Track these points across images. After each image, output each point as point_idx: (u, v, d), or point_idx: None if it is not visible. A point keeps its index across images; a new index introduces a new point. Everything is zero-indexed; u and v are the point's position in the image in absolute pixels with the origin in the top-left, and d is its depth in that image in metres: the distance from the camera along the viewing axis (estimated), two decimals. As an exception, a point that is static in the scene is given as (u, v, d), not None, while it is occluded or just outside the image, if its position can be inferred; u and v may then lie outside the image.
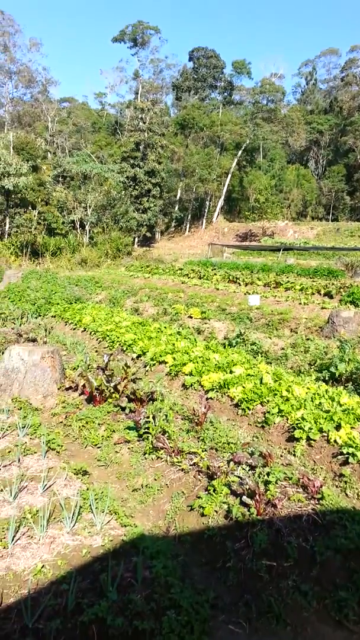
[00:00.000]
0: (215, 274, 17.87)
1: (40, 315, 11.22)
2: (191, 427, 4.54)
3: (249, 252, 33.84)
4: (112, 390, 5.31)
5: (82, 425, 4.76)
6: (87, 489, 3.47)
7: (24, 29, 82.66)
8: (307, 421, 4.21)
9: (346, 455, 3.78)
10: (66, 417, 4.98)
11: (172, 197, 53.21)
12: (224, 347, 7.35)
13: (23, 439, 4.32)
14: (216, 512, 3.20)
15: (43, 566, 2.60)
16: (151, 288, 15.06)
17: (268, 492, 3.17)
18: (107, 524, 3.06)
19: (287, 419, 4.46)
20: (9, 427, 4.58)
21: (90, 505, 3.19)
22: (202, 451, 3.93)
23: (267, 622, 2.51)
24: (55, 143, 53.74)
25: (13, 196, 30.10)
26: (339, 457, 3.84)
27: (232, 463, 3.62)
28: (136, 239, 42.96)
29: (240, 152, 55.24)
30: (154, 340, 7.41)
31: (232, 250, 35.10)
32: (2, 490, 3.36)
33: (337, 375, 6.19)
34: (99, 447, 4.39)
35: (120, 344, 7.74)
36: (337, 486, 3.64)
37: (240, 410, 4.94)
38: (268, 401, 4.82)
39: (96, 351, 8.17)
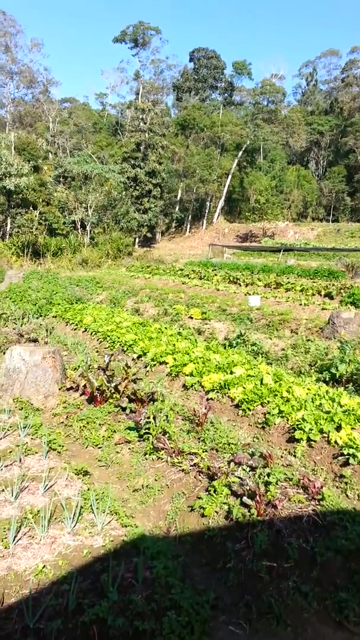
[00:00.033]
0: (215, 275, 17.88)
1: (41, 316, 11.24)
2: (192, 427, 4.55)
3: (249, 253, 33.90)
4: (112, 391, 5.31)
5: (83, 426, 4.76)
6: (88, 489, 3.47)
7: (26, 30, 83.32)
8: (307, 422, 4.22)
9: (347, 456, 3.78)
10: (67, 417, 4.99)
11: (172, 198, 53.26)
12: (225, 347, 7.35)
13: (24, 439, 4.33)
14: (217, 512, 3.21)
15: (44, 566, 2.61)
16: (152, 288, 15.07)
17: (268, 492, 3.18)
18: (107, 524, 3.07)
19: (288, 420, 4.47)
20: (10, 427, 4.59)
21: (91, 505, 3.19)
22: (203, 452, 3.94)
23: (268, 623, 2.52)
24: (57, 143, 53.83)
25: (14, 196, 30.17)
26: (340, 458, 3.84)
27: (232, 464, 3.62)
28: (137, 240, 43.03)
29: (240, 153, 55.30)
30: (155, 341, 7.42)
31: (232, 251, 35.14)
32: (3, 491, 3.37)
33: (337, 376, 6.19)
34: (99, 448, 4.40)
35: (121, 345, 7.75)
36: (337, 487, 3.64)
37: (240, 411, 4.94)
38: (268, 402, 4.82)
39: (97, 351, 8.18)
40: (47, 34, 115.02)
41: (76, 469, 3.79)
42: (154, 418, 4.43)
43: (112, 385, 5.31)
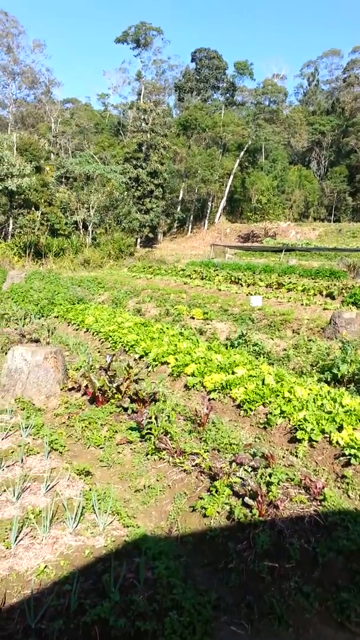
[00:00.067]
0: (217, 275, 17.87)
1: (43, 316, 11.26)
2: (193, 427, 4.55)
3: (251, 253, 33.88)
4: (114, 391, 5.32)
5: (85, 426, 4.77)
6: (90, 490, 3.48)
7: (28, 30, 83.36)
8: (309, 422, 4.21)
9: (348, 457, 3.78)
10: (69, 417, 5.00)
11: (174, 198, 53.24)
12: (226, 348, 7.35)
13: (26, 439, 4.34)
14: (218, 513, 3.21)
15: (46, 566, 2.61)
16: (153, 289, 15.07)
17: (270, 493, 3.18)
18: (109, 524, 3.07)
19: (289, 420, 4.46)
20: (12, 427, 4.60)
21: (92, 505, 3.20)
22: (205, 452, 3.94)
23: (269, 623, 2.52)
24: (59, 144, 53.91)
25: (16, 197, 30.24)
26: (341, 458, 3.84)
27: (234, 464, 3.62)
28: (138, 240, 43.03)
29: (242, 153, 55.27)
30: (157, 341, 7.42)
31: (234, 251, 35.12)
32: (5, 491, 3.37)
33: (339, 377, 6.18)
34: (101, 448, 4.40)
35: (122, 345, 7.76)
36: (339, 487, 3.63)
37: (242, 411, 4.94)
38: (270, 402, 4.82)
39: (99, 352, 8.19)
40: (49, 35, 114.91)
41: (78, 469, 3.80)
42: (156, 418, 4.44)
43: (114, 385, 5.32)
